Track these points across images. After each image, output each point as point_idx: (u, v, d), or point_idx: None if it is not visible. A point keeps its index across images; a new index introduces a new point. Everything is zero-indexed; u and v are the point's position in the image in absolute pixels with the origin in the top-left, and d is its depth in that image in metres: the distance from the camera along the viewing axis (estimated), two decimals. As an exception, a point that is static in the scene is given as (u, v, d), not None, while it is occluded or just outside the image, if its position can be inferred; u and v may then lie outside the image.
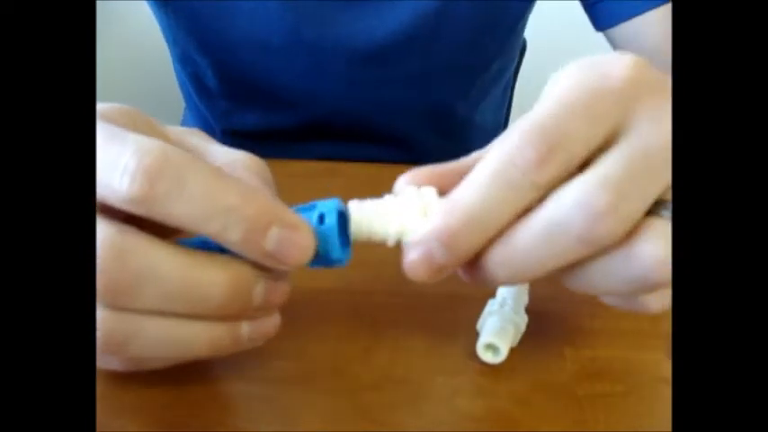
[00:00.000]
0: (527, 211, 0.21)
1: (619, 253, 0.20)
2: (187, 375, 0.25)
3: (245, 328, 0.22)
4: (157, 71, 0.86)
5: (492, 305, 0.28)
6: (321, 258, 0.22)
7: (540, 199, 0.21)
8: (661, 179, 0.21)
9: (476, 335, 0.27)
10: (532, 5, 0.56)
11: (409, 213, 0.22)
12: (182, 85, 0.62)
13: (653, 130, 0.21)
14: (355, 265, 0.24)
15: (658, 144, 0.21)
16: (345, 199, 0.23)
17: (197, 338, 0.21)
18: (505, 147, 0.21)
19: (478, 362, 0.26)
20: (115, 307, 0.20)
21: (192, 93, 0.58)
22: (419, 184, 0.23)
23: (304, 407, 0.24)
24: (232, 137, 0.57)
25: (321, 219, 0.22)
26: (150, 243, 0.20)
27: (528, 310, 0.28)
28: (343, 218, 0.23)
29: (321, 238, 0.22)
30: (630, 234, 0.20)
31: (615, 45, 0.54)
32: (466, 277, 0.23)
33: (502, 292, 0.28)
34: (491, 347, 0.26)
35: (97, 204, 0.20)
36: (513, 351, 0.26)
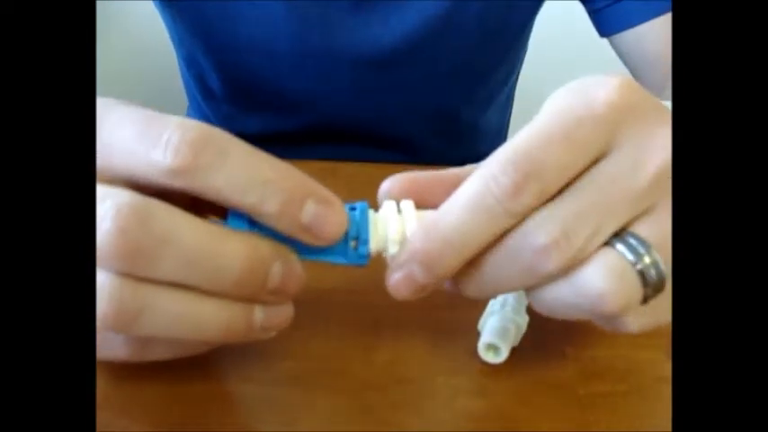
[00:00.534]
0: (504, 234, 0.21)
1: (565, 283, 0.21)
2: (188, 375, 0.25)
3: (258, 314, 0.22)
4: (160, 71, 0.86)
5: (493, 305, 0.28)
6: (347, 250, 0.23)
7: (516, 224, 0.21)
8: (624, 211, 0.21)
9: (477, 335, 0.27)
10: (537, 11, 0.56)
11: (388, 228, 0.23)
12: (186, 86, 0.62)
13: (629, 158, 0.21)
14: (356, 265, 0.24)
15: (629, 173, 0.21)
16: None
17: (210, 318, 0.21)
18: (484, 173, 0.21)
19: (480, 362, 0.26)
20: (132, 275, 0.20)
21: (197, 94, 0.58)
22: (399, 191, 0.24)
23: (305, 407, 0.24)
24: None
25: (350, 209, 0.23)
26: (175, 211, 0.21)
27: (529, 309, 0.28)
28: None
29: (352, 222, 0.23)
30: (579, 265, 0.21)
31: (619, 51, 0.54)
32: (447, 289, 0.24)
33: (503, 291, 0.28)
34: (492, 347, 0.26)
35: (127, 182, 0.21)
36: (514, 351, 0.27)
